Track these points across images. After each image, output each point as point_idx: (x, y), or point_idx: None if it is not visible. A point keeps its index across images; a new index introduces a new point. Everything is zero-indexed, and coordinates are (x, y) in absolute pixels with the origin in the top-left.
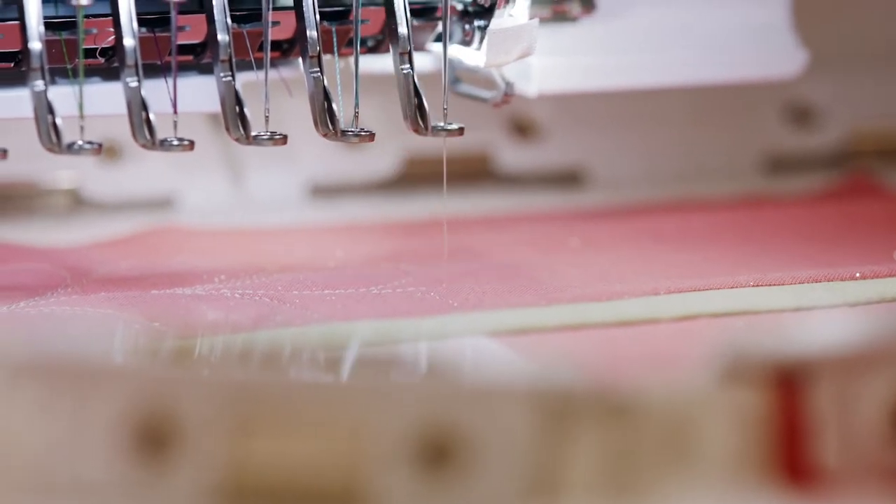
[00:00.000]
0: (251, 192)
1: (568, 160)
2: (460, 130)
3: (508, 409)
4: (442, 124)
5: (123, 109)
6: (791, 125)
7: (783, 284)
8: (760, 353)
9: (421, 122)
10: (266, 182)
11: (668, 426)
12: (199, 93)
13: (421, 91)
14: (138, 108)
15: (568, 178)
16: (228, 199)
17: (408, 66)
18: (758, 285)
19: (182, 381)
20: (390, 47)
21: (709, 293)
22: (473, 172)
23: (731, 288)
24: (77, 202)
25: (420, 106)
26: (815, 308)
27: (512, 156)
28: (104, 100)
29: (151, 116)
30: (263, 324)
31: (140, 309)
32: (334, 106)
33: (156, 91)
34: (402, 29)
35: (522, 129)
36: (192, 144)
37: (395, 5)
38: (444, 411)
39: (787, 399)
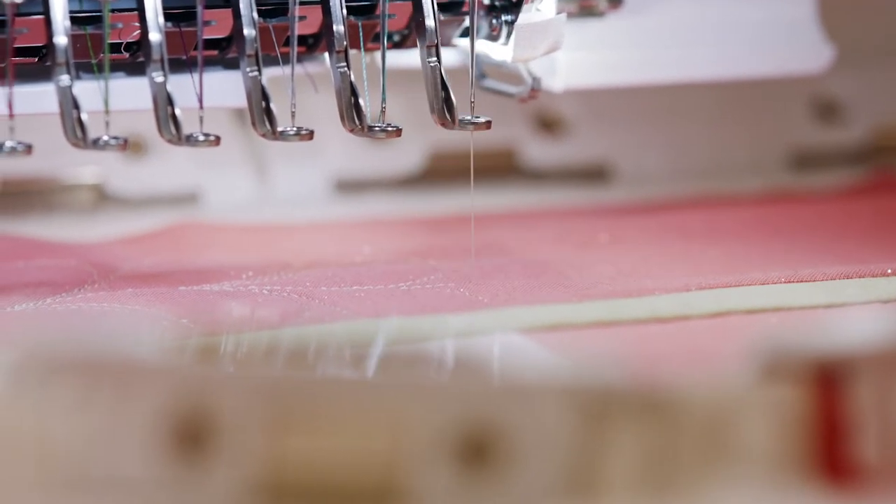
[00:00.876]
0: (276, 187)
1: (594, 155)
2: (487, 124)
3: (547, 407)
4: (469, 117)
5: (149, 104)
6: (817, 120)
7: (815, 281)
8: (798, 350)
9: (448, 116)
10: (291, 177)
11: (707, 424)
12: (224, 88)
13: (448, 84)
14: (164, 103)
15: (594, 174)
16: (253, 195)
17: (435, 58)
18: (789, 282)
19: (218, 378)
20: (417, 41)
21: (741, 289)
22: (499, 168)
23: (763, 284)
24: (102, 198)
25: (447, 99)
26: (849, 305)
27: (538, 151)
28: (129, 95)
29: (177, 111)
30: (293, 320)
31: (168, 305)
32: (361, 101)
33: (181, 86)
34: (430, 21)
35: (548, 124)
36: (218, 140)
37: None
38: (481, 408)
39: (827, 396)
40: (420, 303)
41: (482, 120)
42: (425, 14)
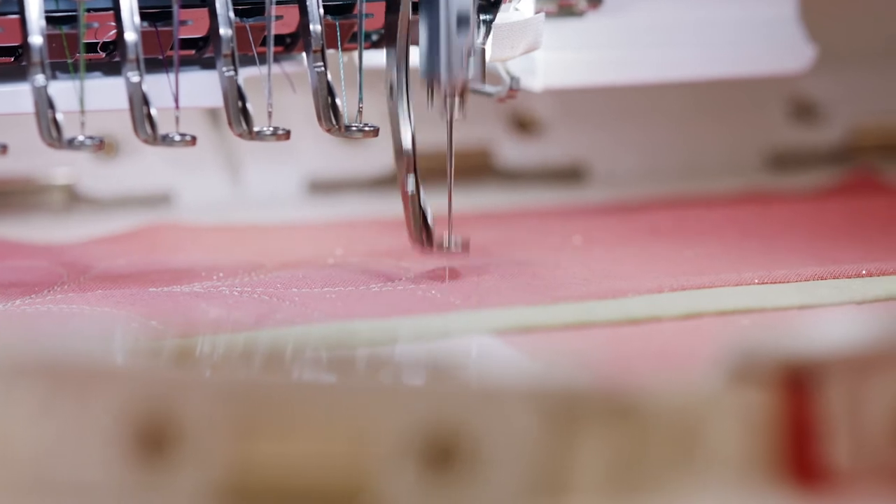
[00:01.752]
0: (249, 187)
1: (569, 156)
2: (375, 131)
3: (514, 410)
4: (357, 125)
5: (125, 104)
6: (795, 121)
7: (789, 282)
8: (768, 353)
9: (334, 122)
10: (264, 178)
11: (675, 428)
12: (201, 88)
13: (335, 90)
14: (140, 104)
15: (569, 174)
16: (226, 195)
17: (321, 64)
18: (763, 283)
19: (183, 381)
20: (304, 46)
21: (714, 291)
22: (475, 168)
23: (736, 285)
24: (74, 198)
25: (333, 105)
26: (822, 306)
27: (513, 152)
28: (105, 95)
29: (153, 112)
30: (263, 322)
31: (138, 307)
32: (338, 101)
33: (157, 86)
34: (315, 26)
35: (524, 124)
36: (194, 140)
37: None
38: (448, 412)
39: (796, 400)
40: (391, 305)
41: (370, 128)
42: (310, 19)
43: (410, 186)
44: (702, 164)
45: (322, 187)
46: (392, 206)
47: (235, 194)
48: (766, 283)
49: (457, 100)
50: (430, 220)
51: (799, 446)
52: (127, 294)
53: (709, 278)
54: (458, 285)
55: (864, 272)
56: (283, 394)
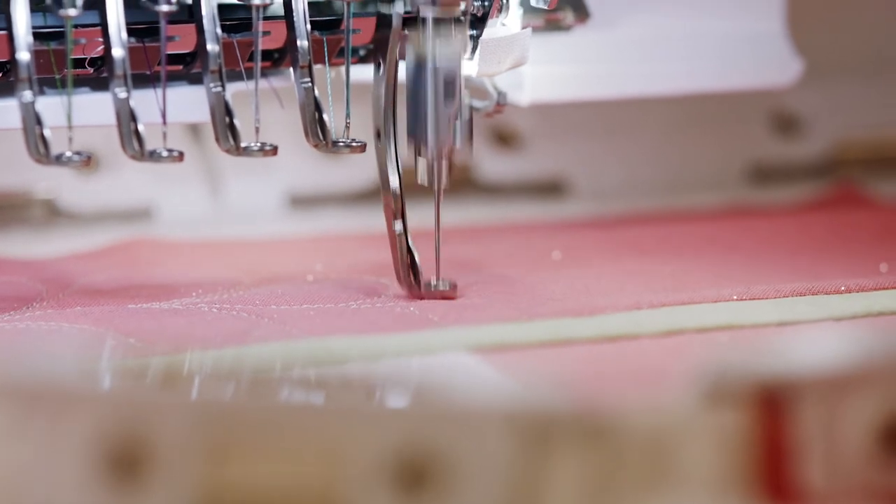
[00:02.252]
0: (230, 203)
1: (550, 170)
2: (362, 147)
3: (488, 432)
4: (344, 140)
5: (112, 120)
6: (777, 135)
7: (767, 298)
8: (744, 372)
9: (322, 138)
10: (245, 193)
11: (649, 448)
12: (188, 103)
13: (322, 106)
14: (127, 119)
15: (550, 189)
16: (207, 211)
17: (308, 80)
18: (742, 299)
19: (156, 403)
20: (291, 63)
21: (692, 307)
22: (455, 182)
23: (715, 302)
24: (54, 213)
25: (321, 121)
26: (800, 323)
27: (494, 166)
28: (93, 110)
29: (140, 127)
30: (240, 340)
31: (116, 324)
32: (325, 116)
33: (144, 101)
34: (303, 42)
35: (505, 138)
36: (181, 156)
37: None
38: (422, 433)
39: (771, 419)
40: (369, 322)
41: (357, 143)
42: (297, 34)
43: (398, 229)
44: (683, 179)
45: (302, 202)
46: (372, 221)
47: (216, 209)
48: (745, 299)
49: (444, 167)
50: (417, 263)
51: (774, 467)
52: (106, 311)
53: (688, 294)
54: (437, 302)
55: (843, 288)
56: (256, 415)
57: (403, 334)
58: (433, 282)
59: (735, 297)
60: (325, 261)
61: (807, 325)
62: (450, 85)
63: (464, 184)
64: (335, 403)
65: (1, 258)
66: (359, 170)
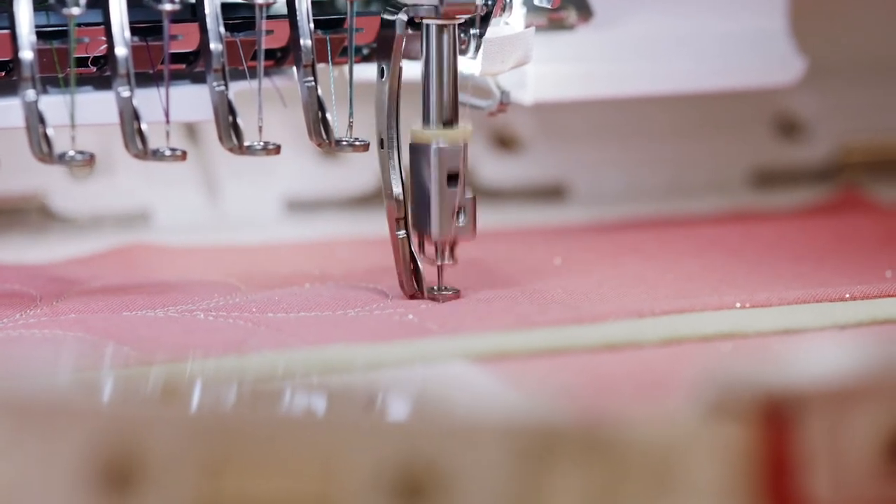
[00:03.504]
0: (227, 207)
1: (552, 173)
2: (365, 146)
3: (488, 444)
4: (347, 139)
5: (115, 119)
6: (780, 138)
7: (770, 306)
8: (748, 384)
9: (325, 137)
10: (242, 196)
11: (653, 461)
12: (191, 102)
13: (325, 105)
14: (130, 118)
15: (551, 192)
16: (204, 215)
17: (311, 78)
18: (744, 306)
19: (150, 416)
20: (294, 62)
21: (694, 315)
22: None
23: (717, 309)
24: (48, 218)
25: (324, 120)
26: (803, 331)
27: (494, 169)
28: (96, 109)
29: (143, 126)
30: (236, 349)
31: (111, 333)
32: (328, 115)
33: (148, 100)
34: (306, 41)
35: (505, 142)
36: (184, 154)
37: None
38: (420, 446)
39: (776, 431)
40: (367, 331)
41: (360, 142)
42: (301, 33)
43: (401, 235)
44: (686, 183)
45: (300, 206)
46: (371, 226)
47: (212, 213)
48: (748, 306)
49: (447, 251)
50: (421, 269)
51: (779, 480)
52: (101, 319)
53: (690, 302)
54: (435, 310)
55: (847, 296)
56: (252, 428)
57: (402, 343)
58: (436, 288)
59: (738, 305)
60: (323, 266)
61: (811, 333)
62: (453, 174)
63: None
64: (332, 415)
65: None
66: (357, 174)
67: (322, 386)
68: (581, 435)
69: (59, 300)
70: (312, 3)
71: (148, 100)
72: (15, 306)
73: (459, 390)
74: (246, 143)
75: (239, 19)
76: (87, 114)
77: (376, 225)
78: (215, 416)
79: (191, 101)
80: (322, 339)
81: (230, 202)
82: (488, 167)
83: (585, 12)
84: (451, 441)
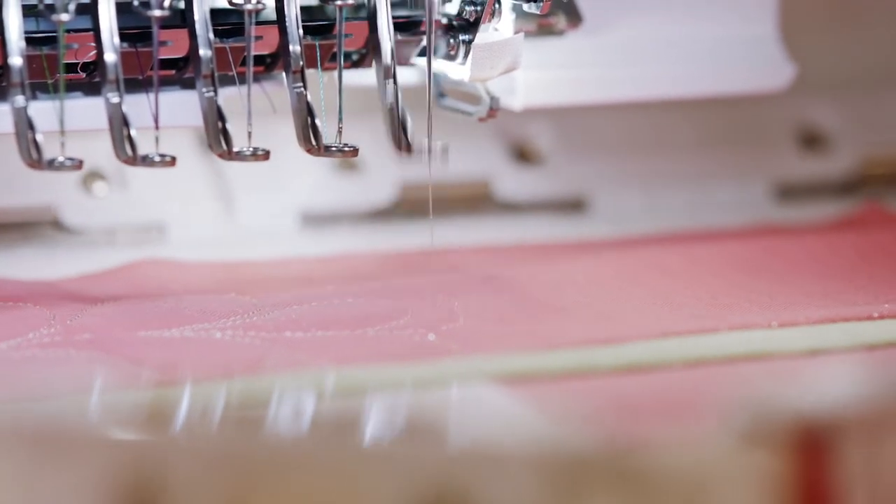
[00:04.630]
0: (242, 221)
1: (572, 187)
2: (354, 151)
3: (517, 473)
4: (337, 144)
5: (105, 125)
6: (802, 151)
7: (797, 325)
8: (782, 410)
9: (314, 142)
10: (257, 210)
11: (686, 491)
12: (181, 108)
13: (314, 110)
14: (119, 124)
15: (572, 206)
16: (218, 229)
17: (300, 84)
18: (770, 326)
19: (169, 446)
20: (284, 67)
21: (719, 336)
22: (474, 199)
23: (743, 329)
24: (61, 233)
25: (314, 125)
26: (832, 352)
27: (513, 182)
28: (85, 115)
29: (133, 132)
30: (253, 371)
31: (126, 354)
32: (317, 121)
33: (138, 106)
34: (295, 47)
35: (524, 154)
36: (174, 160)
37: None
38: (446, 477)
39: (812, 460)
40: (387, 351)
41: (349, 147)
42: (290, 39)
43: (390, 97)
44: (705, 197)
45: (317, 220)
46: (390, 240)
47: (227, 227)
48: (774, 326)
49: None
50: (409, 129)
51: None
52: (116, 339)
53: (714, 321)
54: (456, 329)
55: (875, 315)
56: (274, 457)
57: (422, 364)
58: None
59: (764, 325)
60: (340, 282)
61: (839, 354)
62: None
63: (482, 201)
64: (355, 442)
65: (5, 281)
66: (374, 187)
67: (345, 410)
68: (613, 464)
69: (73, 318)
70: (301, 8)
71: (137, 106)
72: (28, 325)
73: (486, 416)
74: (235, 149)
75: (228, 25)
76: (77, 120)
77: (394, 239)
78: (236, 445)
79: (180, 107)
80: (341, 360)
81: (246, 216)
82: (507, 180)
83: (575, 18)
84: (482, 471)
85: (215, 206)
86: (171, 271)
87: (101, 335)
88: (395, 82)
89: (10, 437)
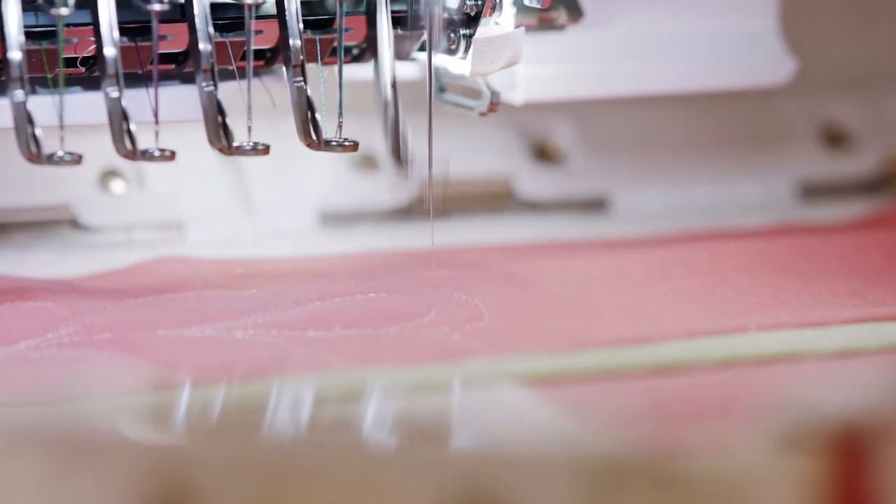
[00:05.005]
0: (260, 219)
1: (593, 186)
2: (355, 146)
3: (554, 477)
4: (337, 139)
5: (104, 119)
6: (826, 149)
7: (827, 324)
8: (818, 412)
9: (314, 137)
10: (276, 209)
11: (724, 496)
12: (181, 102)
13: (314, 105)
14: (119, 119)
15: (593, 204)
16: (237, 228)
17: (300, 79)
18: (800, 326)
19: (197, 451)
20: (284, 61)
21: (749, 336)
22: (495, 198)
23: (772, 328)
24: (78, 232)
25: (314, 120)
26: (864, 353)
27: (535, 181)
28: (85, 110)
29: (132, 127)
30: (275, 371)
31: (147, 354)
32: (318, 116)
33: (137, 101)
34: (295, 41)
35: (545, 154)
36: (173, 154)
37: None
38: (482, 479)
39: (852, 464)
40: (410, 351)
41: (349, 142)
42: (290, 33)
43: (391, 112)
44: (730, 196)
45: (335, 218)
46: (409, 238)
47: (246, 225)
48: (804, 325)
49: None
50: (408, 144)
51: None
52: (135, 339)
53: (743, 320)
54: (480, 328)
55: None
56: (302, 461)
57: (449, 365)
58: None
59: (794, 324)
60: (361, 280)
61: (871, 355)
62: None
63: (504, 200)
64: (384, 445)
65: (23, 280)
66: (393, 185)
67: (373, 413)
68: (648, 468)
69: (91, 317)
70: (302, 3)
71: (137, 100)
72: (46, 325)
73: (518, 418)
74: (235, 144)
75: (228, 19)
76: (76, 114)
77: (415, 238)
78: (265, 450)
79: (180, 101)
80: (364, 360)
81: (264, 214)
82: (528, 179)
83: (575, 12)
84: (512, 475)
85: (233, 204)
86: (189, 269)
87: (121, 334)
88: (395, 98)
89: (36, 441)
